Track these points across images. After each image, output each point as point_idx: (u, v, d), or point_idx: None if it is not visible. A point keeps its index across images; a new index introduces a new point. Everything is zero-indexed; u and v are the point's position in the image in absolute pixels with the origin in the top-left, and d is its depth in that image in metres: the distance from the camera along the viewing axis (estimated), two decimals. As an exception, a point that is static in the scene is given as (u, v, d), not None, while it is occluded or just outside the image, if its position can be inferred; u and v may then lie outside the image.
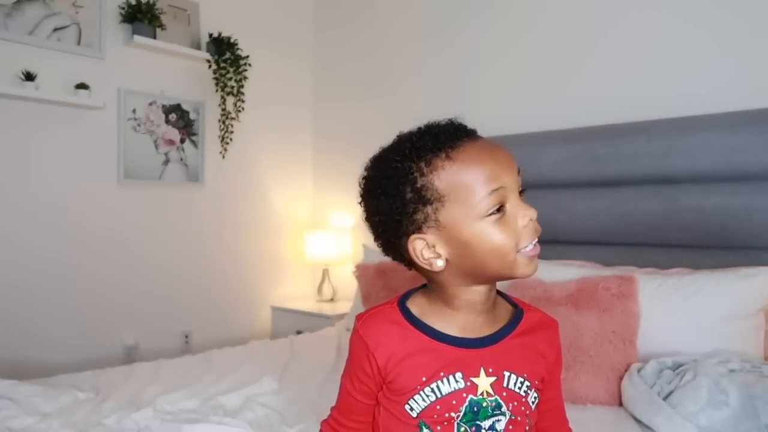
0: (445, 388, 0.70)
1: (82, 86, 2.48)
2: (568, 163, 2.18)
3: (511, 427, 0.71)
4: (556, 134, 2.27)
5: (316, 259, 3.23)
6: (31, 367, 2.36)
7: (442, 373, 0.71)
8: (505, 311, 0.78)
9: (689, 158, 1.90)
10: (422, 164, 0.68)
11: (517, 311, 0.78)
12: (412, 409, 0.71)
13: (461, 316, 0.74)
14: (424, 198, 0.68)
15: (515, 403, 0.72)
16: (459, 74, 2.76)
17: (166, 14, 2.78)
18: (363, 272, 2.51)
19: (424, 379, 0.71)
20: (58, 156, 2.51)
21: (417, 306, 0.76)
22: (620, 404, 1.57)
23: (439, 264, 0.70)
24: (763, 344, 1.64)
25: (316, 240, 3.21)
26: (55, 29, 2.46)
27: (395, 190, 0.70)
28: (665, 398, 1.42)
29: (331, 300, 3.24)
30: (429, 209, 0.69)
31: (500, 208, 0.68)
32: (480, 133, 0.73)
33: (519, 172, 0.71)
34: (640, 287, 1.73)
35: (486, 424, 0.70)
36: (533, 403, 0.74)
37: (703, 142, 1.87)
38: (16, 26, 2.36)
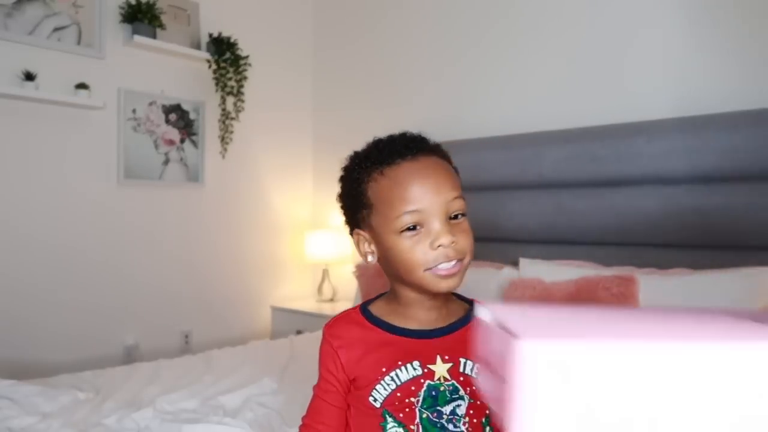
0: (404, 376, 0.76)
1: (82, 86, 2.48)
2: (568, 163, 2.18)
3: (471, 411, 0.75)
4: (556, 134, 2.27)
5: (316, 259, 3.24)
6: (31, 367, 2.36)
7: (400, 362, 0.76)
8: (460, 308, 0.84)
9: (689, 158, 1.90)
10: (364, 174, 0.79)
11: (472, 307, 0.83)
12: (375, 400, 0.76)
13: (413, 312, 0.80)
14: (361, 202, 0.79)
15: (473, 388, 0.75)
16: (459, 75, 2.76)
17: (166, 14, 2.79)
18: (363, 272, 2.50)
19: (384, 369, 0.76)
20: (58, 156, 2.51)
21: (377, 308, 0.84)
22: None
23: (370, 259, 0.81)
24: (763, 344, 1.64)
25: (316, 240, 3.21)
26: (55, 29, 2.46)
27: (347, 191, 0.83)
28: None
29: (331, 300, 3.24)
30: (364, 212, 0.79)
31: (415, 228, 0.73)
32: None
33: (458, 197, 0.75)
34: (640, 287, 1.73)
35: (447, 409, 0.74)
36: None
37: (703, 142, 1.87)
38: (16, 26, 2.36)
